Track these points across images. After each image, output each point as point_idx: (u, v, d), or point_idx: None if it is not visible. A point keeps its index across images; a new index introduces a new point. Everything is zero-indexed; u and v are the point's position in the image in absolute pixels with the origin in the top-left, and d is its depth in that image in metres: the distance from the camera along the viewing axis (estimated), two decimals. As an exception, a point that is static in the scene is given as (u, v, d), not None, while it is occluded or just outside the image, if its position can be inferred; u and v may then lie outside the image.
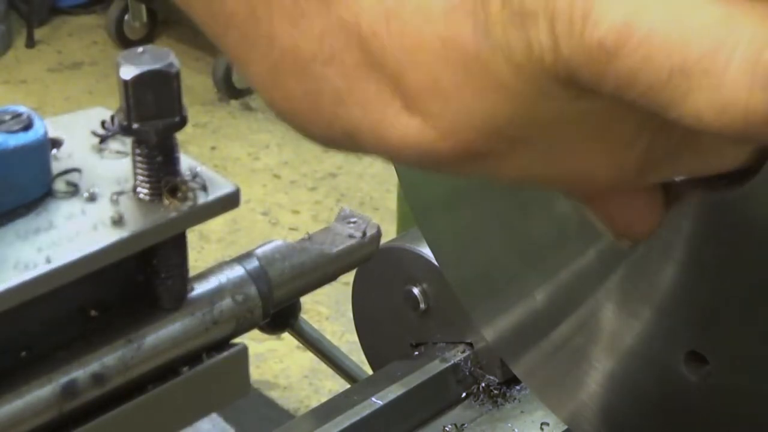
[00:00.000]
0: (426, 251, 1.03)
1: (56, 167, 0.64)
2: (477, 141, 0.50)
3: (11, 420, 0.60)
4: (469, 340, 1.05)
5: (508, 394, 1.04)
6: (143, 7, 4.35)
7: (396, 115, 0.50)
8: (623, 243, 0.61)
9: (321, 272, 0.75)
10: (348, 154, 0.59)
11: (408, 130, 0.50)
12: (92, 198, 0.63)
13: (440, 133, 0.50)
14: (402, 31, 0.48)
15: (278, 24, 0.51)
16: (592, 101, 0.48)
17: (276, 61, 0.51)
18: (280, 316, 0.78)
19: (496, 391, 1.04)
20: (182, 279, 0.66)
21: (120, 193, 0.63)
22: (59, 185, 0.64)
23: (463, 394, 1.04)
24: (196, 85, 4.10)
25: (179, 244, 0.65)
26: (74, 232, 0.61)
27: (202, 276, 0.69)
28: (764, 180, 0.62)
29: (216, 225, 3.39)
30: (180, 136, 0.63)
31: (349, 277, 1.00)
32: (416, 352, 1.08)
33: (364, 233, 0.77)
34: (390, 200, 3.43)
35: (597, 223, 0.59)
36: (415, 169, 0.56)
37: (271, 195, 3.69)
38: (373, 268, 1.07)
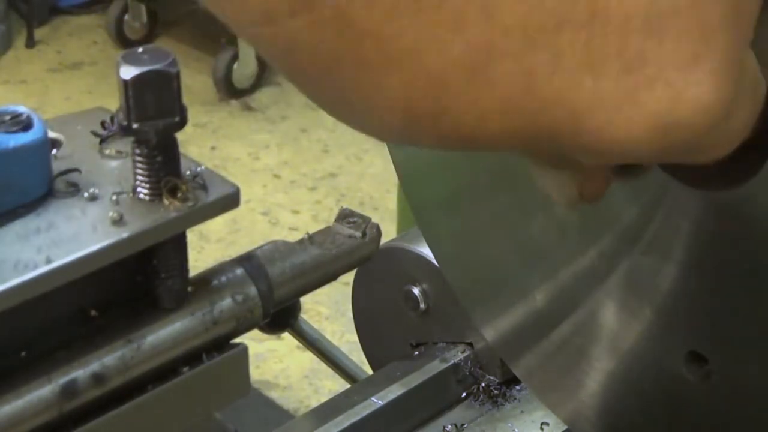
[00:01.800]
0: (426, 251, 1.03)
1: (56, 167, 0.64)
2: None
3: (11, 420, 0.60)
4: (469, 340, 1.05)
5: (508, 394, 1.03)
6: (143, 7, 4.35)
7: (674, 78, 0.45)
8: (572, 208, 0.59)
9: (321, 272, 0.75)
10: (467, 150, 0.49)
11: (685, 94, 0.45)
12: (92, 198, 0.63)
13: (723, 87, 0.46)
14: None
15: None
16: None
17: (489, 41, 0.43)
18: (280, 316, 0.78)
19: (496, 391, 1.04)
20: (182, 279, 0.66)
21: (120, 193, 0.63)
22: (59, 185, 0.64)
23: (463, 394, 1.04)
24: (196, 85, 4.10)
25: (179, 244, 0.65)
26: (74, 232, 0.61)
27: (202, 276, 0.69)
28: (764, 180, 0.62)
29: (216, 225, 3.39)
30: (180, 136, 0.63)
31: (349, 277, 0.99)
32: (416, 352, 1.08)
33: (364, 233, 0.77)
34: (390, 200, 3.42)
35: (549, 191, 0.57)
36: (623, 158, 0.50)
37: (271, 195, 3.69)
38: (373, 268, 1.07)
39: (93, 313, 0.65)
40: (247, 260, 0.71)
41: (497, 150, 0.48)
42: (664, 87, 0.45)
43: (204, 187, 0.64)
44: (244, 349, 0.71)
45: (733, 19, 0.46)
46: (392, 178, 1.26)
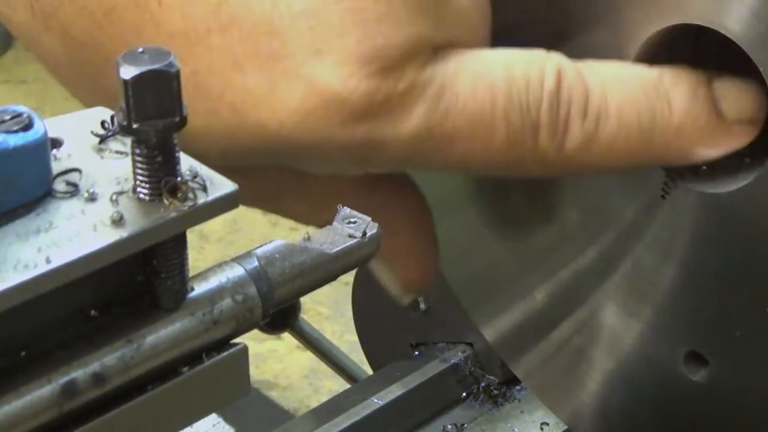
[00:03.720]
0: (426, 251, 1.02)
1: (56, 167, 0.64)
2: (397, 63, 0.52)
3: (11, 420, 0.60)
4: (469, 340, 1.05)
5: (508, 394, 1.03)
6: (143, 7, 4.34)
7: (303, 64, 0.50)
8: (406, 298, 0.66)
9: (321, 272, 0.75)
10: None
11: (318, 73, 0.50)
12: (92, 198, 0.63)
13: (353, 78, 0.51)
14: None
15: (167, 6, 0.50)
16: None
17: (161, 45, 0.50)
18: (280, 316, 0.77)
19: (496, 391, 1.04)
20: (182, 279, 0.66)
21: (120, 193, 0.63)
22: (59, 185, 0.64)
23: (463, 394, 1.04)
24: (196, 85, 4.09)
25: (179, 244, 0.65)
26: (74, 232, 0.61)
27: (202, 276, 0.69)
28: (764, 180, 0.62)
29: (216, 225, 3.38)
30: (180, 136, 0.63)
31: (349, 277, 0.99)
32: (416, 352, 1.08)
33: (364, 233, 0.77)
34: (390, 200, 3.42)
35: (385, 281, 0.65)
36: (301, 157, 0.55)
37: (271, 195, 3.68)
38: (373, 268, 1.07)
39: (93, 313, 0.65)
40: (247, 260, 0.71)
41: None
42: (297, 78, 0.51)
43: (204, 187, 0.64)
44: (244, 349, 0.70)
45: (355, 18, 0.51)
46: (392, 178, 1.25)
